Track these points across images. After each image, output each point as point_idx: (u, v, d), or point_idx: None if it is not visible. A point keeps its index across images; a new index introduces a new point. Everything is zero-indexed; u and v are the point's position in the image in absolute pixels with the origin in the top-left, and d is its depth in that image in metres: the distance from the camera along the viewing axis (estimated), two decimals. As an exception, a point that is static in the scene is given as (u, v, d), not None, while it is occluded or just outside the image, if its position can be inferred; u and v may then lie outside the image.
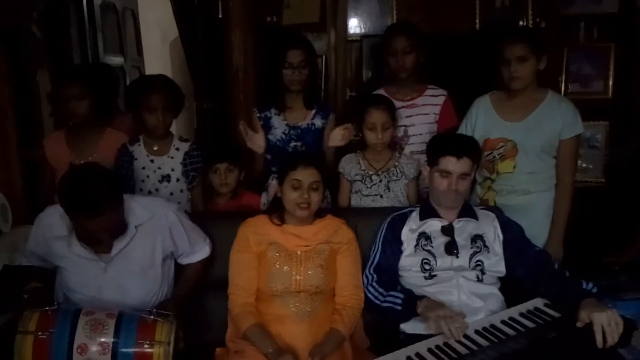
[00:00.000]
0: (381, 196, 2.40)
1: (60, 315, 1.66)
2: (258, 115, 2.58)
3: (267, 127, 2.57)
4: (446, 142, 2.06)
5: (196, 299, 2.08)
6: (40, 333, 1.62)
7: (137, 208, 1.91)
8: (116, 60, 4.16)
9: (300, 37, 2.64)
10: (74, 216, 1.73)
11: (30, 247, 1.96)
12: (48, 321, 1.64)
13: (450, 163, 1.95)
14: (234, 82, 3.04)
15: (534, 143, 2.33)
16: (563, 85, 3.46)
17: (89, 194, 1.67)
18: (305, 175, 1.90)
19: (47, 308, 1.68)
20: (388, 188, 2.40)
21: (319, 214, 2.01)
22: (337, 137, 2.52)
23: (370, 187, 2.40)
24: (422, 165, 2.26)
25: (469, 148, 2.01)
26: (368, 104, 2.39)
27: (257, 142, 2.53)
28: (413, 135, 2.57)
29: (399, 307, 1.88)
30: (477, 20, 3.45)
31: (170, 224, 1.96)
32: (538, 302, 1.86)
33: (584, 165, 3.46)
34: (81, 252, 1.84)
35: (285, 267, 1.92)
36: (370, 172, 2.41)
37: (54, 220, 1.87)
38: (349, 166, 2.43)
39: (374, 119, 2.32)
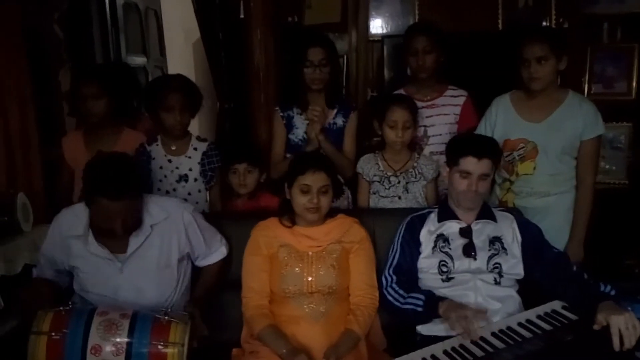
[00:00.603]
0: (399, 197, 2.39)
1: (74, 316, 1.66)
2: (281, 114, 2.59)
3: (289, 127, 2.58)
4: (467, 142, 2.05)
5: (213, 299, 2.09)
6: (53, 333, 1.60)
7: (153, 208, 1.93)
8: (139, 60, 4.21)
9: (321, 36, 2.64)
10: (95, 200, 1.74)
11: (46, 253, 1.97)
12: (62, 321, 1.63)
13: (471, 164, 1.94)
14: (255, 82, 3.05)
15: (555, 144, 2.31)
16: (586, 86, 3.42)
17: (114, 175, 1.72)
18: (315, 180, 1.90)
19: (61, 308, 1.67)
20: (406, 190, 2.39)
21: (331, 214, 2.01)
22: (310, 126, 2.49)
23: (389, 189, 2.39)
24: (441, 166, 2.25)
25: (489, 148, 1.99)
26: (391, 101, 2.39)
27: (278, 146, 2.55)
28: (433, 135, 2.56)
29: (420, 309, 1.88)
30: (500, 21, 3.44)
31: (187, 224, 1.98)
32: (556, 305, 1.85)
33: (607, 166, 3.42)
34: (97, 250, 1.86)
35: (297, 269, 1.92)
36: (389, 174, 2.40)
37: (70, 220, 1.90)
38: (367, 167, 2.43)
39: (395, 116, 2.31)
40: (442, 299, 1.85)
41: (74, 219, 1.89)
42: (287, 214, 2.00)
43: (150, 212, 1.92)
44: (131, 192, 1.76)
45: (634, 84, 3.37)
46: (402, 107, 2.32)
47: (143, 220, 1.89)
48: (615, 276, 1.97)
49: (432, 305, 1.84)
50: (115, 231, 1.78)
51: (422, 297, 1.90)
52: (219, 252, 2.11)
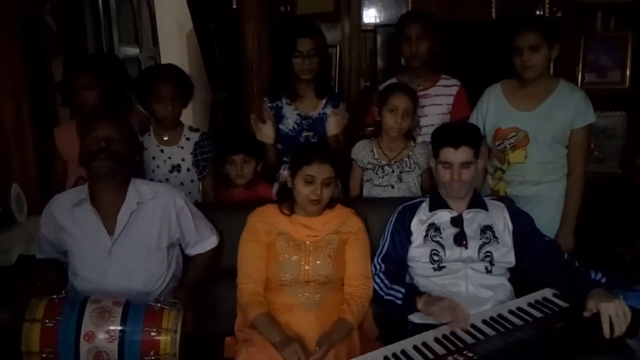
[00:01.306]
0: (392, 187, 2.39)
1: (67, 304, 1.68)
2: (269, 105, 2.58)
3: (279, 117, 2.57)
4: (443, 133, 2.05)
5: (206, 289, 2.10)
6: (47, 321, 1.62)
7: (142, 187, 1.96)
8: (131, 51, 4.20)
9: (311, 26, 2.63)
10: (88, 129, 1.86)
11: (42, 236, 2.00)
12: (55, 309, 1.65)
13: (449, 154, 1.95)
14: (248, 73, 3.05)
15: (546, 133, 2.32)
16: (580, 75, 3.43)
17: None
18: (320, 171, 1.90)
19: (55, 296, 1.69)
20: (400, 179, 2.39)
21: (329, 204, 2.01)
22: (332, 125, 2.49)
23: (382, 177, 2.39)
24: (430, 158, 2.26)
25: (465, 136, 1.99)
26: (394, 87, 2.39)
27: (266, 132, 2.51)
28: (425, 125, 2.55)
29: (399, 302, 1.89)
30: (493, 10, 3.43)
31: (178, 209, 1.98)
32: (547, 293, 1.86)
33: (601, 155, 3.42)
34: (92, 217, 1.88)
35: (294, 257, 1.93)
36: (383, 162, 2.39)
37: (63, 198, 1.95)
38: (362, 153, 2.42)
39: (397, 102, 2.30)
40: (421, 294, 1.86)
41: (68, 196, 1.93)
42: (286, 202, 2.00)
43: (137, 189, 1.94)
44: (119, 117, 1.96)
45: (628, 72, 3.38)
46: (404, 94, 2.32)
47: (128, 196, 1.91)
48: (607, 264, 1.97)
49: (411, 300, 1.86)
50: (100, 146, 1.82)
51: (402, 290, 1.91)
52: (210, 240, 2.10)
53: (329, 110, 2.54)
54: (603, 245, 2.66)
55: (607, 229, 2.84)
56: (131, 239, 1.90)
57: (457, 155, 1.94)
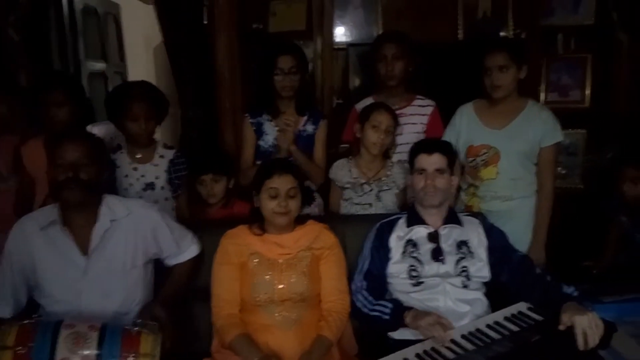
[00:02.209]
0: (371, 205, 2.42)
1: (40, 329, 1.61)
2: (250, 121, 2.58)
3: (259, 133, 2.58)
4: (418, 144, 2.15)
5: (182, 309, 2.06)
6: (19, 348, 1.56)
7: (114, 204, 1.91)
8: (98, 65, 4.12)
9: (291, 44, 2.65)
10: (55, 152, 1.80)
11: (8, 262, 1.87)
12: (27, 335, 1.59)
13: (423, 160, 2.05)
14: (220, 89, 3.03)
15: (516, 150, 2.39)
16: (543, 94, 3.53)
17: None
18: (282, 183, 1.90)
19: (26, 321, 1.63)
20: (378, 198, 2.42)
21: (300, 220, 2.01)
22: (280, 140, 2.50)
23: (361, 196, 2.42)
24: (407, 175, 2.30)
25: (438, 145, 2.11)
26: (377, 105, 2.44)
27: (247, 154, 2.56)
28: (400, 144, 2.57)
29: (387, 317, 1.90)
30: (460, 31, 3.51)
31: (154, 225, 1.95)
32: (522, 306, 1.90)
33: (563, 171, 3.54)
34: (64, 238, 1.82)
35: (267, 277, 1.91)
36: (362, 181, 2.42)
37: (33, 218, 1.88)
38: (340, 173, 2.45)
39: (380, 118, 2.35)
40: (409, 308, 1.88)
41: (38, 216, 1.87)
42: (257, 222, 1.99)
43: (110, 207, 1.89)
44: (85, 137, 1.84)
45: (587, 92, 3.51)
46: (387, 112, 2.38)
47: (101, 214, 1.87)
48: (575, 278, 2.03)
49: (399, 314, 1.87)
50: (67, 176, 1.77)
51: (389, 305, 1.92)
52: (190, 250, 2.07)
53: (309, 128, 2.56)
54: (569, 259, 2.75)
55: (571, 243, 2.93)
56: (106, 258, 1.86)
57: (430, 160, 2.03)
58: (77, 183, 1.78)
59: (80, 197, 1.81)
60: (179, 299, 2.02)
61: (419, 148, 2.09)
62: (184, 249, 2.05)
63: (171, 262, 2.05)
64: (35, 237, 1.85)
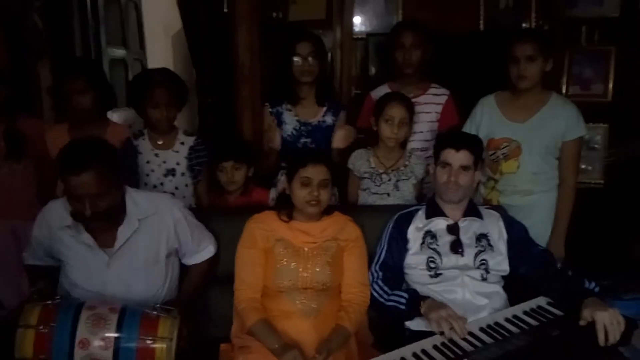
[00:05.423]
0: (389, 195, 2.41)
1: (62, 310, 1.65)
2: (270, 110, 2.59)
3: (279, 123, 2.59)
4: (446, 136, 2.12)
5: (201, 296, 2.09)
6: (41, 327, 1.60)
7: (142, 202, 1.91)
8: (118, 52, 4.17)
9: (309, 32, 2.68)
10: (63, 179, 1.71)
11: (36, 241, 1.95)
12: (49, 315, 1.63)
13: (450, 155, 2.00)
14: (239, 77, 3.02)
15: (538, 144, 2.37)
16: (564, 87, 3.48)
17: (76, 149, 1.73)
18: (315, 173, 1.91)
19: (49, 302, 1.66)
20: (397, 187, 2.41)
21: (327, 210, 2.02)
22: (339, 137, 2.53)
23: (379, 186, 2.42)
24: (429, 164, 2.28)
25: (468, 141, 2.05)
26: (390, 97, 2.41)
27: (274, 138, 2.56)
28: (414, 132, 2.57)
29: (402, 307, 1.90)
30: (481, 21, 3.46)
31: (176, 220, 1.96)
32: (541, 301, 1.89)
33: (584, 166, 3.48)
34: (87, 240, 1.84)
35: (293, 264, 1.93)
36: (380, 171, 2.42)
37: (58, 211, 1.87)
38: (359, 162, 2.44)
39: (393, 112, 2.33)
40: (425, 298, 1.88)
41: (61, 210, 1.86)
42: (285, 208, 2.00)
43: (138, 205, 1.90)
44: (94, 160, 1.69)
45: (610, 86, 3.44)
46: (400, 104, 2.35)
47: (128, 213, 1.87)
48: (595, 273, 2.01)
49: (415, 304, 1.87)
50: (84, 213, 1.70)
51: (405, 295, 1.92)
52: (207, 250, 2.09)
53: (328, 119, 2.56)
54: (588, 255, 2.72)
55: (590, 238, 2.91)
56: (130, 253, 1.88)
57: (457, 157, 1.99)
58: (98, 216, 1.74)
59: (106, 225, 1.82)
60: (196, 299, 2.04)
61: (447, 142, 2.04)
62: (201, 248, 2.07)
63: (189, 261, 2.07)
64: (61, 226, 1.87)
